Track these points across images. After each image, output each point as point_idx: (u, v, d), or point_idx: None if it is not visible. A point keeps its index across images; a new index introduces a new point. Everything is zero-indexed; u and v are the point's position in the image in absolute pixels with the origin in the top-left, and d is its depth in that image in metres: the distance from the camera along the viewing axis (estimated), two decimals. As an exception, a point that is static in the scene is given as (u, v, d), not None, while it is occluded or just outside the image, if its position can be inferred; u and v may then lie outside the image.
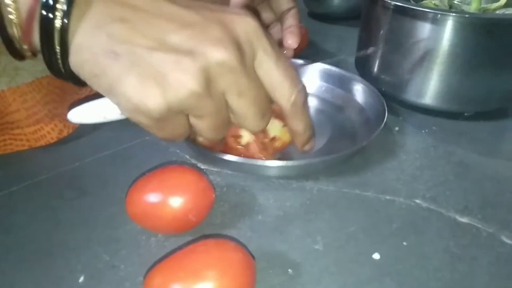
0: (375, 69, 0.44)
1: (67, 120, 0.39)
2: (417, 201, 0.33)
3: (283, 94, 0.26)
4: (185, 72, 0.22)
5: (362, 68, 0.47)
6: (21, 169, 0.36)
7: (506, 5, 0.46)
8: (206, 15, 0.23)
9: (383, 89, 0.44)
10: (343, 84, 0.44)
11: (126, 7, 0.22)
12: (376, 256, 0.28)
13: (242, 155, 0.32)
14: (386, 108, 0.37)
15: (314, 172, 0.35)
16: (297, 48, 0.56)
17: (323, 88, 0.45)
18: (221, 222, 0.30)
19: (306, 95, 0.28)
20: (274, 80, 0.25)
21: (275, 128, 0.33)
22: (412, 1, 0.48)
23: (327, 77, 0.45)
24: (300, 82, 0.27)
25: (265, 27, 0.40)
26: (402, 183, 0.35)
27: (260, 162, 0.32)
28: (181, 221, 0.27)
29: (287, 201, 0.32)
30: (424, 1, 0.46)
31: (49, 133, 0.38)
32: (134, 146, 0.39)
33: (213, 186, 0.29)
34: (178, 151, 0.37)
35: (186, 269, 0.22)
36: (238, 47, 0.23)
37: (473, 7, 0.43)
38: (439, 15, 0.36)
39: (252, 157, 0.32)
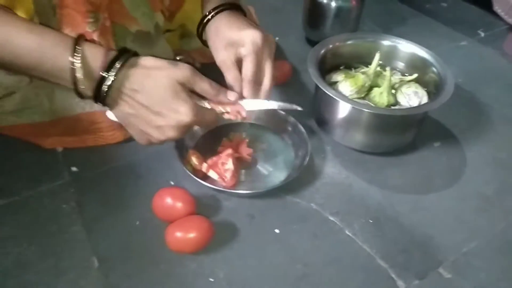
0: (320, 117, 0.70)
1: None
2: (312, 204, 0.61)
3: (208, 94, 0.53)
4: (156, 141, 0.52)
5: (315, 114, 0.72)
6: (104, 157, 0.66)
7: (417, 80, 0.70)
8: (167, 114, 0.49)
9: (321, 129, 0.71)
10: (289, 127, 0.69)
11: (136, 104, 0.50)
12: (277, 230, 0.57)
13: (218, 177, 0.60)
14: (309, 152, 0.63)
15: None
16: (280, 79, 0.82)
17: (284, 129, 0.70)
18: (206, 203, 0.60)
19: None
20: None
21: (229, 163, 0.61)
22: (353, 71, 0.72)
23: (287, 123, 0.69)
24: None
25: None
26: (309, 192, 0.62)
27: (222, 188, 0.60)
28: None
29: (240, 198, 0.61)
30: (356, 73, 0.70)
31: (118, 136, 0.67)
32: (166, 149, 0.67)
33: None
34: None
35: (183, 227, 0.52)
36: (180, 128, 0.50)
37: (385, 84, 0.67)
38: (351, 106, 0.61)
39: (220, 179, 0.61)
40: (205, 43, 0.64)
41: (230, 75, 0.57)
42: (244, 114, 0.56)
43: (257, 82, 0.58)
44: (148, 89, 0.49)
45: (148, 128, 0.52)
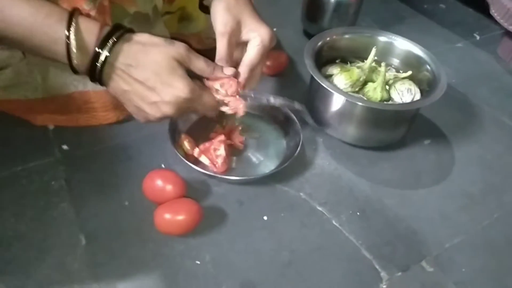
0: (314, 108, 0.70)
1: (123, 110, 0.66)
2: (301, 193, 0.61)
3: (204, 73, 0.52)
4: (151, 117, 0.51)
5: (309, 106, 0.72)
6: (96, 137, 0.65)
7: (411, 77, 0.71)
8: (162, 89, 0.49)
9: (314, 120, 0.71)
10: (282, 117, 0.70)
11: (131, 79, 0.49)
12: (265, 217, 0.58)
13: (209, 162, 0.61)
14: (301, 143, 0.64)
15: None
16: (276, 69, 0.82)
17: (276, 119, 0.71)
18: (194, 187, 0.60)
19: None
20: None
21: (221, 149, 0.61)
22: (348, 65, 0.73)
23: (280, 113, 0.70)
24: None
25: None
26: (298, 182, 0.63)
27: (215, 174, 0.60)
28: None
29: (230, 184, 0.61)
30: (352, 67, 0.70)
31: (112, 117, 0.67)
32: (159, 132, 0.67)
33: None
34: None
35: (172, 209, 0.52)
36: (176, 106, 0.50)
37: (379, 79, 0.68)
38: (345, 99, 0.62)
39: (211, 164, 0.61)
40: (204, 8, 0.62)
41: (228, 49, 0.56)
42: (242, 112, 0.56)
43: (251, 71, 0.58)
44: (143, 63, 0.48)
45: (143, 104, 0.51)
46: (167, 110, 0.51)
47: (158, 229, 0.52)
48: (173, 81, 0.49)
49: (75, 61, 0.48)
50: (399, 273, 0.53)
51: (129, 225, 0.54)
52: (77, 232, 0.53)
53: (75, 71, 0.49)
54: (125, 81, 0.50)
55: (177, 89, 0.49)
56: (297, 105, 0.61)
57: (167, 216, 0.52)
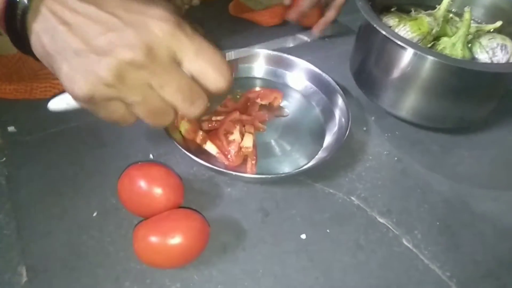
0: (364, 73, 0.50)
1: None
2: (352, 197, 0.42)
3: (209, 81, 0.29)
4: (101, 68, 0.27)
5: (355, 69, 0.52)
6: (56, 115, 0.46)
7: (499, 31, 0.50)
8: (126, 20, 0.28)
9: (363, 91, 0.51)
10: (321, 87, 0.51)
11: (68, 10, 0.27)
12: (303, 236, 0.38)
13: (219, 152, 0.42)
14: (349, 124, 0.44)
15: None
16: (308, 22, 0.61)
17: (309, 88, 0.51)
18: (196, 189, 0.41)
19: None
20: (199, 71, 0.29)
21: (235, 133, 0.42)
22: (412, 13, 0.52)
23: (314, 79, 0.51)
24: (226, 66, 0.29)
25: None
26: (348, 180, 0.44)
27: (230, 171, 0.40)
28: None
29: (248, 184, 0.42)
30: (419, 15, 0.49)
31: (80, 86, 0.47)
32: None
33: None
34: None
35: (162, 227, 0.33)
36: (148, 49, 0.27)
37: (461, 31, 0.47)
38: (417, 53, 0.41)
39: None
40: None
41: None
42: None
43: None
44: None
45: (90, 54, 0.27)
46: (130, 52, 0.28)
47: (140, 258, 0.33)
48: (149, 6, 0.29)
49: None
50: (515, 326, 0.34)
51: (97, 250, 0.36)
52: (15, 262, 0.34)
53: None
54: (61, 13, 0.28)
55: (158, 19, 0.28)
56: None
57: (154, 239, 0.33)
